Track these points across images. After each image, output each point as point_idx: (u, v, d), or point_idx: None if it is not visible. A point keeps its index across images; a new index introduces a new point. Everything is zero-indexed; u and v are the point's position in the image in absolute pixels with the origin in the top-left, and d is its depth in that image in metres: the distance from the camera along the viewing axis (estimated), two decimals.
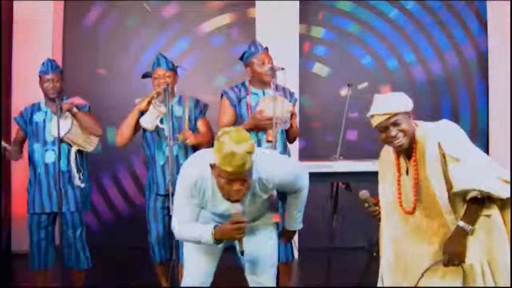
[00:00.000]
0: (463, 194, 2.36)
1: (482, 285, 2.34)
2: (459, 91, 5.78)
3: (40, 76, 3.81)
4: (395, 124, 2.43)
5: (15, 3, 5.41)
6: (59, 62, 4.25)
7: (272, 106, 3.39)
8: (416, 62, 5.79)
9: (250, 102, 3.70)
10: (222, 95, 3.77)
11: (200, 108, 3.85)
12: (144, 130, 3.75)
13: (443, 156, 2.38)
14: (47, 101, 3.84)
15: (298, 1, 5.50)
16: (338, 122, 4.73)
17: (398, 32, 5.78)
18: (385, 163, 2.66)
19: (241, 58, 3.77)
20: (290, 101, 3.73)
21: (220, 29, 5.78)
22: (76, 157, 3.80)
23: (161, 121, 3.65)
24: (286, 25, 5.44)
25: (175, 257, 3.44)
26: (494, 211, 2.38)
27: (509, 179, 2.34)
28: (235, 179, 2.42)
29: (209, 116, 3.91)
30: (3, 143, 3.79)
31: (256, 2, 5.54)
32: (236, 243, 2.61)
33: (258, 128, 3.59)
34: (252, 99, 3.71)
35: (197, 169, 2.59)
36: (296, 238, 3.25)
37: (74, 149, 3.80)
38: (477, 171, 2.33)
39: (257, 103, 3.66)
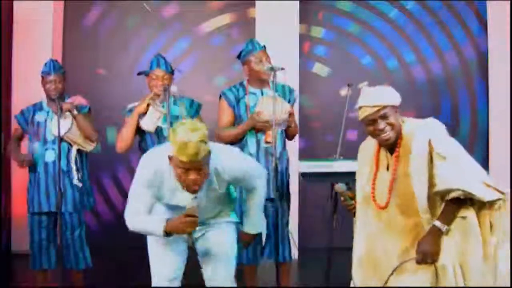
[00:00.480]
0: (445, 193, 2.34)
1: (454, 285, 2.32)
2: (459, 91, 5.77)
3: (42, 77, 3.81)
4: (384, 117, 2.40)
5: (15, 3, 5.41)
6: (59, 62, 4.25)
7: (270, 106, 3.37)
8: (416, 62, 5.78)
9: (248, 102, 3.68)
10: (220, 96, 3.76)
11: (196, 108, 3.85)
12: (142, 134, 3.75)
13: (430, 154, 2.36)
14: (49, 101, 3.84)
15: (298, 1, 5.50)
16: (338, 122, 4.70)
17: (398, 32, 5.78)
18: (364, 157, 2.62)
19: (239, 57, 3.76)
20: (289, 99, 3.71)
21: (220, 29, 5.78)
22: (76, 156, 3.81)
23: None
24: (286, 25, 5.44)
25: None
26: (471, 214, 2.36)
27: (491, 183, 2.33)
28: (191, 168, 2.44)
29: (208, 116, 3.90)
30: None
31: (256, 2, 5.54)
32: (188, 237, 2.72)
33: (256, 129, 3.58)
34: (250, 99, 3.68)
35: (156, 161, 2.61)
36: (296, 238, 3.24)
37: (74, 149, 3.80)
38: (462, 172, 2.32)
39: (255, 103, 3.63)
